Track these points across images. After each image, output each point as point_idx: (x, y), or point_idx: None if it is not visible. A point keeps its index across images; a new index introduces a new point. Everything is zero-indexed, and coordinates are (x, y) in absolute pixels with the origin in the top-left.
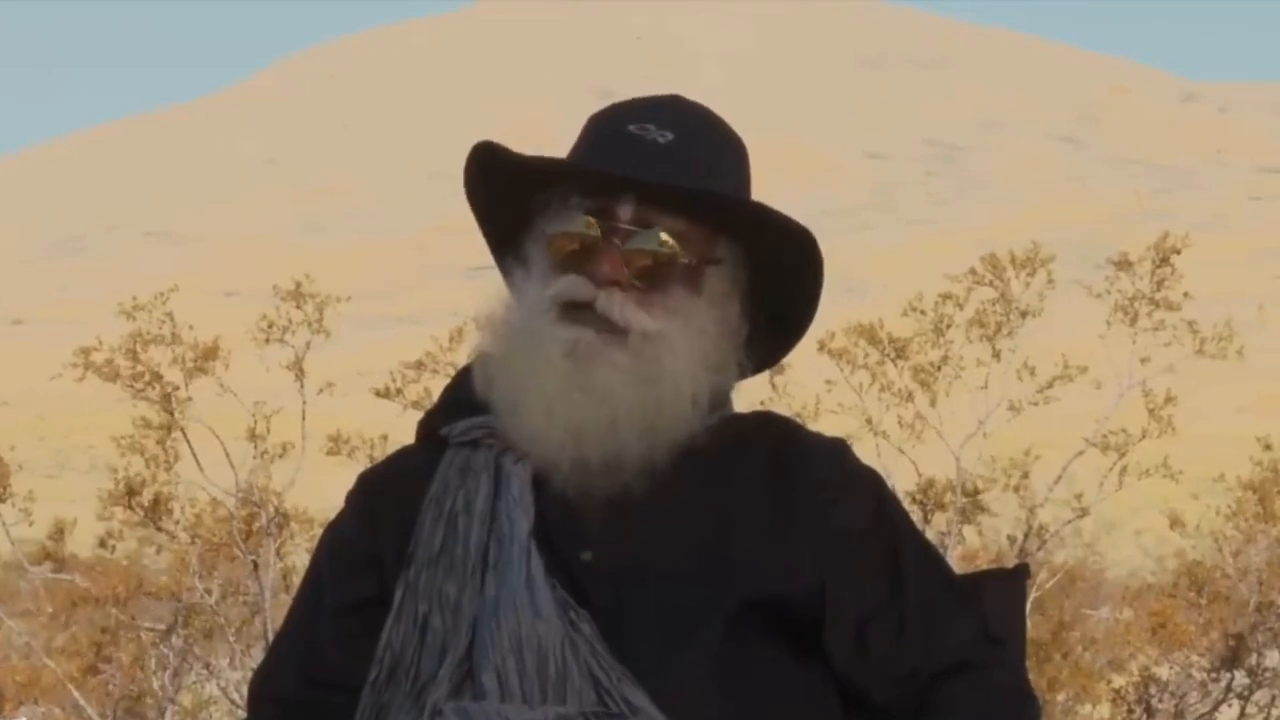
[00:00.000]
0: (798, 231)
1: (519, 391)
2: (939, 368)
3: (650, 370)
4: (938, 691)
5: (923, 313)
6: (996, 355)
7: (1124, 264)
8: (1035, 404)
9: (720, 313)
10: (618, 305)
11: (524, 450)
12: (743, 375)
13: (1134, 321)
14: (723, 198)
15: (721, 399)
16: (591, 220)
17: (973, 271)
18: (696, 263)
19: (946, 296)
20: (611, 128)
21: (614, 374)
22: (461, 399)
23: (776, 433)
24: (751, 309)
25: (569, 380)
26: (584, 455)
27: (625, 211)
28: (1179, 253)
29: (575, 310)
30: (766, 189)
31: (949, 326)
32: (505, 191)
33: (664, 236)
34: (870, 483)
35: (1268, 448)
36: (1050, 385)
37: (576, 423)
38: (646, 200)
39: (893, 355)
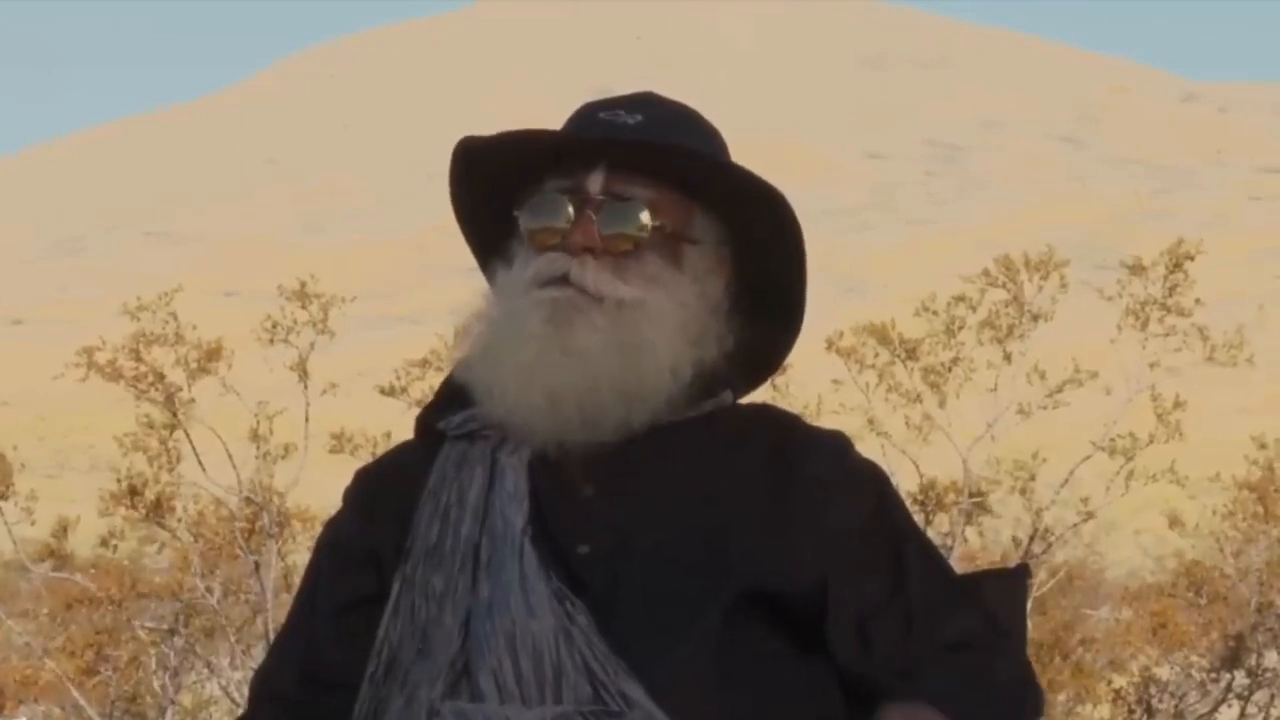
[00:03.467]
0: (768, 191)
1: (499, 367)
2: (950, 369)
3: (629, 338)
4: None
5: (935, 313)
6: (1007, 358)
7: (1138, 268)
8: (1044, 407)
9: (701, 288)
10: (591, 274)
11: (503, 420)
12: (722, 348)
13: (1145, 326)
14: (690, 153)
15: (707, 378)
16: (569, 213)
17: (986, 273)
18: (671, 230)
19: (959, 298)
20: (583, 117)
21: (593, 335)
22: (457, 392)
23: (776, 425)
24: (737, 289)
25: (549, 343)
26: (563, 417)
27: (595, 183)
28: (1193, 259)
29: (552, 285)
30: None
31: (961, 328)
32: (489, 194)
33: (643, 219)
34: (871, 479)
35: (1263, 447)
36: (1060, 389)
37: (554, 385)
38: (617, 169)
39: (903, 356)
